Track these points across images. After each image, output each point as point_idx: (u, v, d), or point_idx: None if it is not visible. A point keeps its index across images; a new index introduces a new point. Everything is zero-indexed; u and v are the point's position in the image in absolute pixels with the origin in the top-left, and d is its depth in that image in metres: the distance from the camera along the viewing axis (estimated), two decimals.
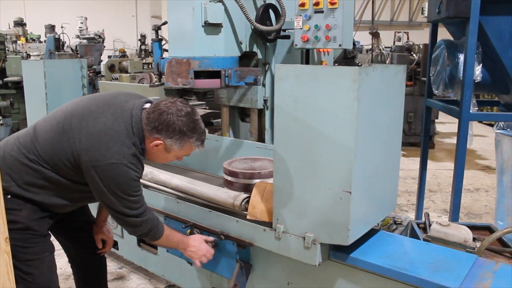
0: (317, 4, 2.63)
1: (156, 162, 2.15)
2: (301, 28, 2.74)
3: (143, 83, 5.86)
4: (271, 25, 2.99)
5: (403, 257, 1.92)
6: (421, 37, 12.48)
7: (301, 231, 1.94)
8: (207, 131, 3.03)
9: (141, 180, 2.75)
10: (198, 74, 2.64)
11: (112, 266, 3.55)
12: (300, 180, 1.89)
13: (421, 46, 8.00)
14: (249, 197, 2.28)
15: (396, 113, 2.08)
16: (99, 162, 1.82)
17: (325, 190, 1.82)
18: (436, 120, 7.84)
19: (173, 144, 1.93)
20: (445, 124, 9.80)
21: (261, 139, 3.30)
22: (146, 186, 2.77)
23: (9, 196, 1.89)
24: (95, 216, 2.45)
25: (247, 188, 2.48)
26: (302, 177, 1.88)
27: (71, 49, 8.38)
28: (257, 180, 2.46)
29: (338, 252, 1.97)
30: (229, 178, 2.60)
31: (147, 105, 1.99)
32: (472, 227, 2.34)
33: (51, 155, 1.91)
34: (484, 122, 9.61)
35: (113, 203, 1.90)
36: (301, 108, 1.83)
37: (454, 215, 3.13)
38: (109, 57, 10.54)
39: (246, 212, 2.24)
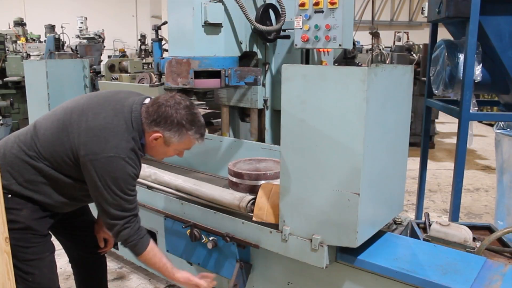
0: (317, 4, 2.64)
1: (157, 158, 2.13)
2: (301, 28, 2.74)
3: (143, 83, 5.85)
4: (271, 25, 2.99)
5: (411, 259, 1.90)
6: (421, 37, 12.48)
7: (308, 233, 1.92)
8: (207, 131, 3.02)
9: (145, 182, 2.76)
10: (198, 74, 2.64)
11: (112, 266, 3.55)
12: (307, 181, 1.87)
13: (421, 46, 8.00)
14: (255, 199, 2.26)
15: (404, 113, 2.06)
16: (97, 155, 1.81)
17: (333, 192, 1.80)
18: (436, 120, 7.85)
19: (172, 136, 1.92)
20: (445, 124, 9.81)
21: (261, 139, 3.30)
22: (150, 187, 2.76)
23: (10, 195, 1.89)
24: (95, 216, 2.45)
25: (253, 190, 2.46)
26: (309, 178, 1.86)
27: (71, 49, 8.38)
28: (263, 181, 2.44)
29: (345, 254, 1.95)
30: (234, 179, 2.58)
31: (147, 101, 1.99)
32: (472, 227, 2.33)
33: (51, 152, 1.91)
34: (484, 122, 9.61)
35: (105, 199, 1.86)
36: (308, 109, 1.81)
37: (454, 215, 3.13)
38: (109, 57, 10.53)
39: (252, 214, 2.22)
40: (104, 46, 9.85)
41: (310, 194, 1.87)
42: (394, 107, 1.95)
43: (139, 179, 2.80)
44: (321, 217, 1.87)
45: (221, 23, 2.70)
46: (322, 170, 1.82)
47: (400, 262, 1.85)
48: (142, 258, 2.05)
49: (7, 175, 1.90)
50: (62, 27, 9.31)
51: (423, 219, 2.51)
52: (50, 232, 2.11)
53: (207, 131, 4.75)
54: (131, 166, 1.87)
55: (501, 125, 3.60)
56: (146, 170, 2.81)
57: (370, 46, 9.47)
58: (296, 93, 1.84)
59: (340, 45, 2.64)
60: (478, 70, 3.01)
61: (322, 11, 2.64)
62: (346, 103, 1.72)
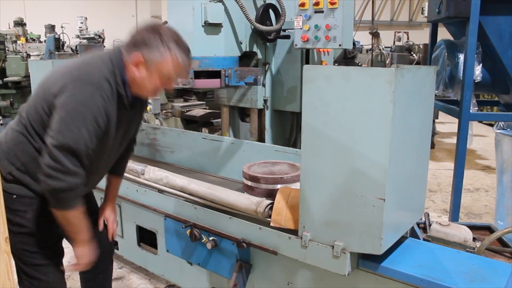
0: (317, 4, 2.64)
1: (148, 95, 1.93)
2: (301, 28, 2.74)
3: None
4: (271, 25, 3.00)
5: (436, 266, 1.82)
6: (421, 37, 12.47)
7: (330, 239, 1.85)
8: (207, 131, 2.97)
9: (156, 185, 2.72)
10: (198, 74, 2.64)
11: None
12: (329, 186, 1.80)
13: (421, 46, 8.02)
14: (272, 203, 2.19)
15: (427, 115, 2.00)
16: (66, 85, 1.69)
17: (357, 197, 1.73)
18: (436, 120, 7.84)
19: (152, 55, 1.73)
20: (445, 124, 9.79)
21: (261, 139, 3.30)
22: (161, 191, 2.72)
23: (15, 196, 1.84)
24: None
25: (270, 194, 2.38)
26: (332, 183, 1.79)
27: (71, 49, 8.38)
28: (280, 186, 2.36)
29: (368, 261, 1.88)
30: (250, 183, 2.49)
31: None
32: (472, 227, 2.33)
33: (33, 116, 1.81)
34: (484, 122, 9.61)
35: (53, 129, 1.68)
36: (332, 112, 1.74)
37: (454, 215, 3.13)
38: None
39: (269, 219, 2.15)
40: (104, 46, 9.83)
41: (331, 199, 1.80)
42: (418, 109, 1.90)
43: (150, 183, 2.80)
44: (343, 223, 1.80)
45: (221, 23, 2.70)
46: (346, 174, 1.75)
47: (424, 269, 1.79)
48: (62, 215, 1.79)
49: (6, 163, 1.86)
50: (62, 27, 9.30)
51: (423, 219, 2.51)
52: (59, 236, 2.02)
53: (207, 131, 4.75)
54: (101, 97, 1.70)
55: (501, 125, 3.60)
56: (157, 173, 2.78)
57: (370, 46, 9.48)
58: (318, 95, 1.77)
59: (340, 45, 2.64)
60: (478, 70, 3.01)
61: (322, 11, 2.64)
62: (371, 105, 1.65)
